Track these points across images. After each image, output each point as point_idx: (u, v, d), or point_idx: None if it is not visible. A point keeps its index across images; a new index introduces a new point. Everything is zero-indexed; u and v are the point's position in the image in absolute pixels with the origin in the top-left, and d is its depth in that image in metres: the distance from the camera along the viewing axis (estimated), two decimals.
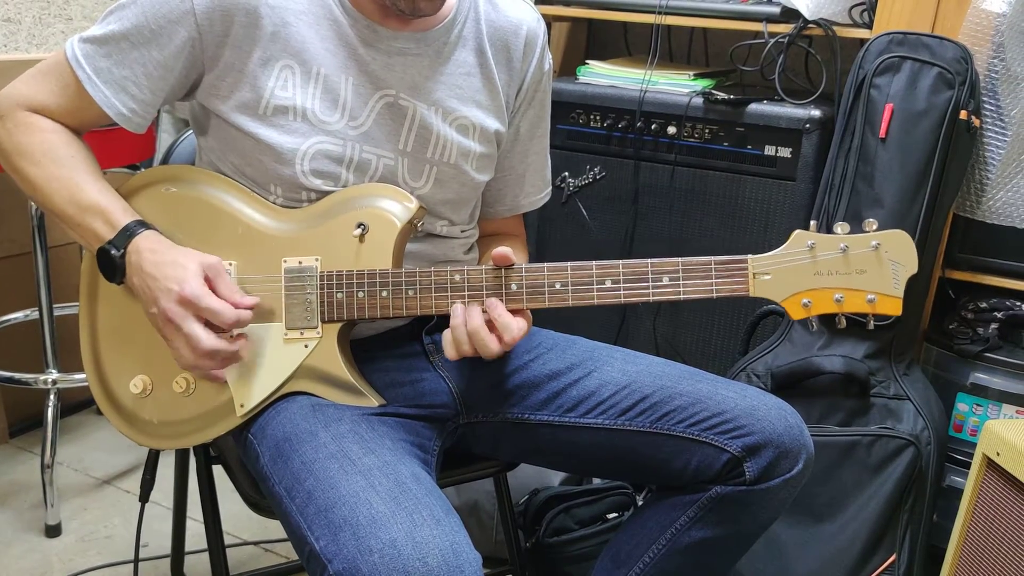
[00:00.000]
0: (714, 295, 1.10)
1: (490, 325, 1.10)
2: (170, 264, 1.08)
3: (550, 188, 1.47)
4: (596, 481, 1.89)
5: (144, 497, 1.41)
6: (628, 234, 2.05)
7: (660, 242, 2.03)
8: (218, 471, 1.36)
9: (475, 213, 1.37)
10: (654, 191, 2.02)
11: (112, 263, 1.12)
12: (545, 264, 1.12)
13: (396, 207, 1.17)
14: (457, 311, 1.10)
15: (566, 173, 2.08)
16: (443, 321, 1.16)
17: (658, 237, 2.04)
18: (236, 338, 1.12)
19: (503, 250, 1.10)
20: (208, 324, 1.10)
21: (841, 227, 1.11)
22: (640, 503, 1.65)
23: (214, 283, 1.10)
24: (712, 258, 1.10)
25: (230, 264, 1.17)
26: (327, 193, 1.18)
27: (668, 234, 2.02)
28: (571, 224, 2.12)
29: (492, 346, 1.08)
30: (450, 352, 1.10)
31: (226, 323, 1.08)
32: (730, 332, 2.01)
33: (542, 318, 1.27)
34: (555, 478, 1.89)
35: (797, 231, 1.12)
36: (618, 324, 2.10)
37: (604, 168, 2.05)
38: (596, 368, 1.25)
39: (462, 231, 1.33)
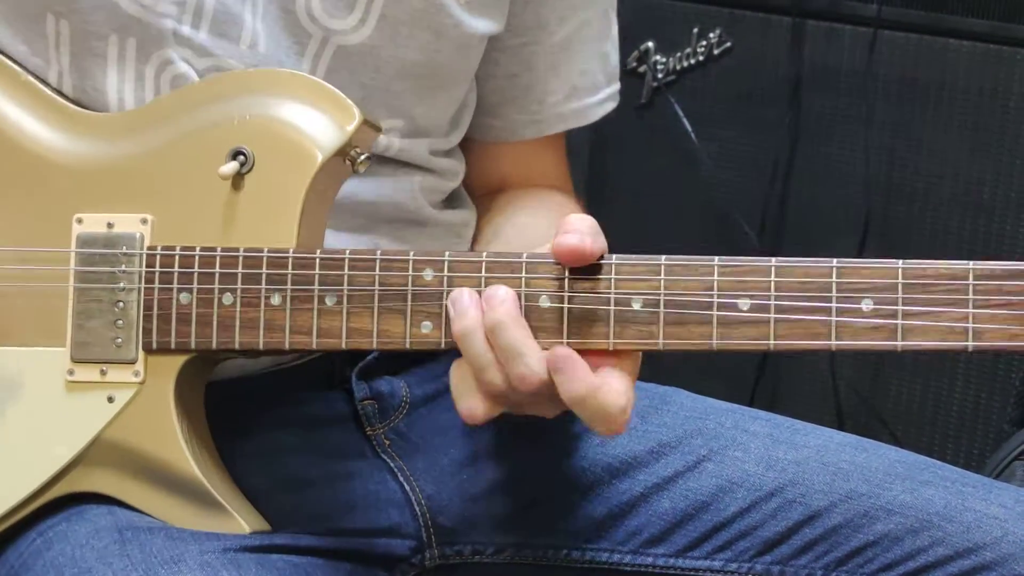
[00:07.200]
0: (969, 347, 0.70)
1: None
2: None
3: (617, 85, 1.05)
4: None
5: None
6: (777, 170, 1.42)
7: (850, 187, 1.38)
8: None
9: (461, 118, 0.99)
10: (832, 79, 1.40)
11: None
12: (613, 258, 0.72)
13: (316, 121, 0.82)
14: (463, 301, 0.73)
15: (650, 44, 1.47)
16: (392, 355, 0.89)
17: (842, 176, 1.39)
18: None
19: (571, 237, 0.70)
20: None
21: None
22: None
23: None
24: (962, 265, 0.67)
25: None
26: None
27: (861, 169, 1.36)
28: (659, 146, 1.49)
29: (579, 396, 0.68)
30: (473, 407, 0.71)
31: None
32: (983, 383, 1.40)
33: None
34: None
35: None
36: (756, 366, 1.47)
37: (730, 32, 1.44)
38: (712, 454, 0.94)
39: (431, 151, 0.94)
